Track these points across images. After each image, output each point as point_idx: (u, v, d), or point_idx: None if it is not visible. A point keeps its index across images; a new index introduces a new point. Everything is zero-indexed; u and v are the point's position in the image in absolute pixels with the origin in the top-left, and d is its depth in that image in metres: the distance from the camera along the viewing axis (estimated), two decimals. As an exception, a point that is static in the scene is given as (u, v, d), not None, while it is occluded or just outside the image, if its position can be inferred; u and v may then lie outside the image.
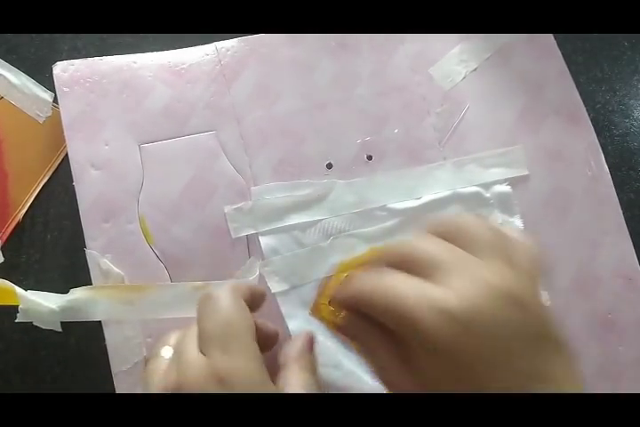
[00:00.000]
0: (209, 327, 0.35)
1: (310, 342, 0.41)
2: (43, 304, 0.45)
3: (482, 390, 0.32)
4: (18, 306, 0.44)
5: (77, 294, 0.46)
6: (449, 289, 0.32)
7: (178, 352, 0.35)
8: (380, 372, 0.36)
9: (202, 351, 0.34)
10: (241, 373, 0.32)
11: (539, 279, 0.36)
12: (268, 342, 0.41)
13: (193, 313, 0.43)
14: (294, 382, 0.36)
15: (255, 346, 0.34)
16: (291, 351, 0.39)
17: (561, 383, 0.33)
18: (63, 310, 0.45)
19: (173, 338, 0.38)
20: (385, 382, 0.36)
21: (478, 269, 0.33)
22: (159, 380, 0.35)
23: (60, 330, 0.45)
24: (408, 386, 0.34)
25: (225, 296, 0.36)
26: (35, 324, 0.45)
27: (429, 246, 0.34)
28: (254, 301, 0.39)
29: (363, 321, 0.36)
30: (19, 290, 0.45)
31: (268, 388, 0.33)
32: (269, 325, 0.42)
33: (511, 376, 0.32)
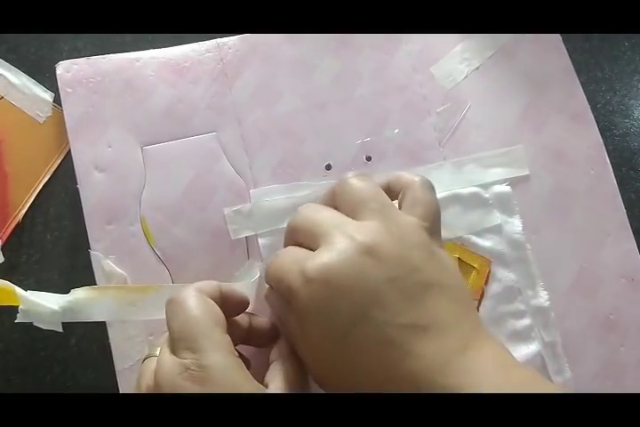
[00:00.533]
0: (175, 328, 0.35)
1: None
2: (43, 305, 0.45)
3: (358, 348, 0.34)
4: (18, 306, 0.44)
5: (78, 294, 0.45)
6: (317, 253, 0.35)
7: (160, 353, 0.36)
8: (291, 341, 0.38)
9: (173, 353, 0.34)
10: (214, 371, 0.33)
11: (428, 230, 0.38)
12: (265, 339, 0.41)
13: None
14: (279, 378, 0.37)
15: (225, 341, 0.35)
16: (281, 349, 0.39)
17: (453, 328, 0.34)
18: (64, 310, 0.45)
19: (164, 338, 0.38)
20: (297, 350, 0.38)
21: (350, 229, 0.35)
22: (144, 380, 0.36)
23: (60, 330, 0.45)
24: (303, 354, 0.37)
25: (189, 296, 0.36)
26: (35, 324, 0.45)
27: (310, 216, 0.38)
28: (227, 300, 0.39)
29: (276, 295, 0.39)
30: (19, 290, 0.44)
31: (242, 383, 0.34)
32: (265, 320, 0.42)
33: (386, 328, 0.33)
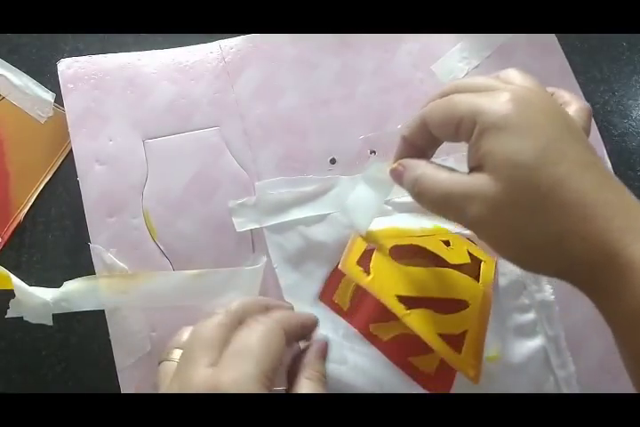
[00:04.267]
0: (240, 343, 0.35)
1: (323, 350, 0.41)
2: (36, 295, 0.45)
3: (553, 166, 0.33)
4: (9, 302, 0.44)
5: (70, 285, 0.46)
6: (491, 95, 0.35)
7: (185, 360, 0.35)
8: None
9: (213, 365, 0.34)
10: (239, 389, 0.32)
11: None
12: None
13: (191, 301, 0.45)
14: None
15: (271, 378, 0.34)
16: (303, 360, 0.39)
17: (607, 171, 0.34)
18: (56, 301, 0.45)
19: (184, 336, 0.38)
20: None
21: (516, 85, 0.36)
22: (166, 387, 0.35)
23: (50, 324, 0.45)
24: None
25: (269, 322, 0.36)
26: (25, 319, 0.44)
27: (481, 78, 0.38)
28: (304, 332, 0.40)
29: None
30: (14, 279, 0.44)
31: None
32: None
33: (581, 156, 0.34)
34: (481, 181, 0.34)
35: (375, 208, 0.46)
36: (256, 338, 0.35)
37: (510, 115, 0.33)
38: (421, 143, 0.40)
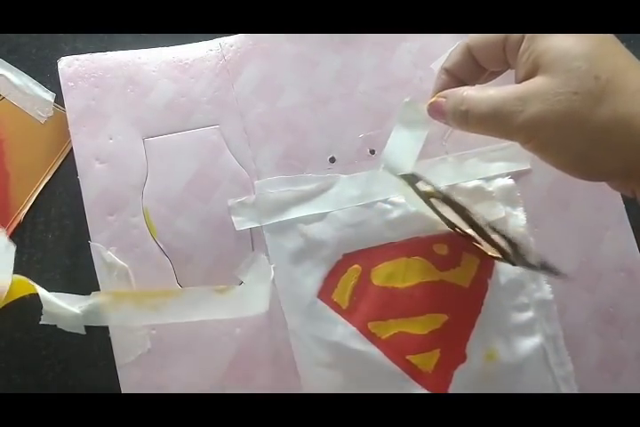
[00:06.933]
0: None
1: None
2: (65, 308, 0.44)
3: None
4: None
5: (99, 298, 0.45)
6: None
7: None
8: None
9: None
10: None
11: None
12: None
13: (216, 315, 0.45)
14: None
15: None
16: None
17: None
18: (86, 314, 0.45)
19: None
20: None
21: None
22: None
23: (84, 333, 0.45)
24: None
25: None
26: (59, 326, 0.44)
27: None
28: None
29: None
30: (41, 291, 0.44)
31: None
32: None
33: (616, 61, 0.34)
34: (537, 82, 0.34)
35: (414, 149, 0.45)
36: None
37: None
38: (463, 73, 0.40)
